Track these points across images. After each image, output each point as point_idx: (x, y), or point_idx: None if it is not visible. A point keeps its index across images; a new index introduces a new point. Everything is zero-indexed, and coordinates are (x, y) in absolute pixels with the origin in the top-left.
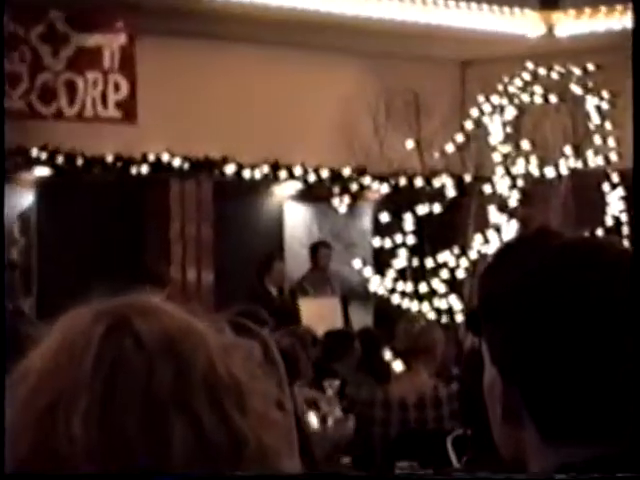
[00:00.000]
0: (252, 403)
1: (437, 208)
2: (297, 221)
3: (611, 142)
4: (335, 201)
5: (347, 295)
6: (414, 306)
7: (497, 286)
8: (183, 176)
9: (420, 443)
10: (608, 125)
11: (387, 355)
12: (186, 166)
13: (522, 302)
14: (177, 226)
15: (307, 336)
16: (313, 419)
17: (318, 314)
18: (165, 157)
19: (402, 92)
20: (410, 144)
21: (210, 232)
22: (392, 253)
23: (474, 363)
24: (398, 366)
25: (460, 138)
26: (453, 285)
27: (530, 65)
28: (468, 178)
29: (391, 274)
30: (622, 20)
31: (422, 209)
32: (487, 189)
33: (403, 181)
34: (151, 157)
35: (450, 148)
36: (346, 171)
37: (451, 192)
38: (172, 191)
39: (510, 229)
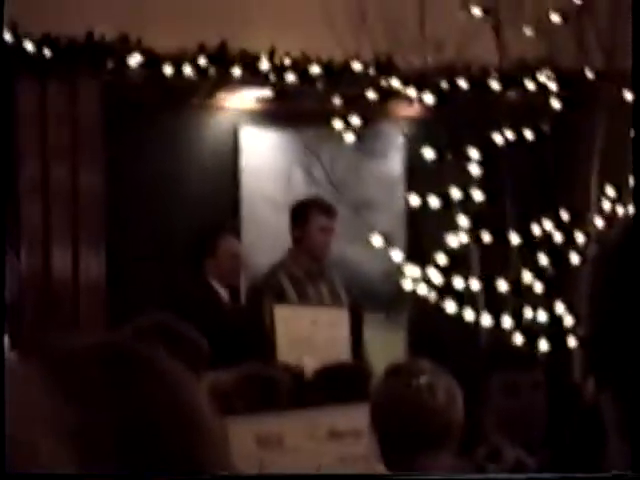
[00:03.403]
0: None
1: (529, 135)
2: (263, 160)
3: None
4: (336, 122)
5: (361, 302)
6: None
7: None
8: (43, 72)
9: None
10: None
11: None
12: (47, 53)
13: None
14: (31, 169)
15: (285, 378)
16: None
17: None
18: (5, 37)
19: None
20: (475, 10)
21: (98, 182)
22: (443, 221)
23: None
24: None
25: None
26: (559, 282)
27: None
28: (590, 74)
29: (442, 261)
30: None
31: (500, 137)
32: (628, 96)
33: (463, 82)
34: None
35: (558, 17)
36: (356, 64)
37: (557, 102)
38: (21, 102)
39: None
